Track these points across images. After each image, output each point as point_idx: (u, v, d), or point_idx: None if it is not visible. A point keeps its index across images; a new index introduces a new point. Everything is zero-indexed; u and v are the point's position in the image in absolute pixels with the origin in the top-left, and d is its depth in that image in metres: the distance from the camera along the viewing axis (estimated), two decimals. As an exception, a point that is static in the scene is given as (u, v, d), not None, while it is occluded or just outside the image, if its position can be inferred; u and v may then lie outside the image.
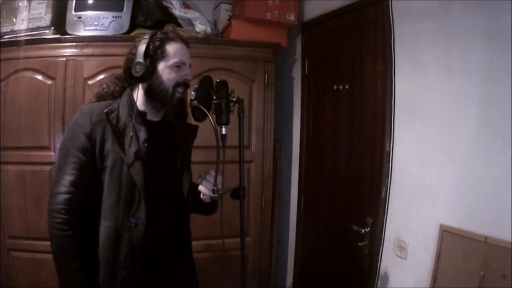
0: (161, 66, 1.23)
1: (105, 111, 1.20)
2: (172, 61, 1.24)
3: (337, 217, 2.11)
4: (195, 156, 1.48)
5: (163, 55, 1.23)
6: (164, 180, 1.33)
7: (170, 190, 1.34)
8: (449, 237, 1.41)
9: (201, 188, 1.25)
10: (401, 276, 1.67)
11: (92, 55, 2.02)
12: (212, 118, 1.19)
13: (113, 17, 2.07)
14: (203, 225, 1.93)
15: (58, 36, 2.02)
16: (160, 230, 1.29)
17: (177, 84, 1.24)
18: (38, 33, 2.04)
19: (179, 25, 2.22)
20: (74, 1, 2.08)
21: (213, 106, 1.22)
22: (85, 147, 1.19)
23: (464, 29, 1.39)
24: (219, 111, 1.22)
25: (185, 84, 1.26)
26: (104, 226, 1.19)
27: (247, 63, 2.23)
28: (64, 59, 2.01)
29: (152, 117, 1.29)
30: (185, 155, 1.38)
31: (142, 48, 1.21)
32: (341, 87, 2.09)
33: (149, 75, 1.21)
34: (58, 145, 1.92)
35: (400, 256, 1.66)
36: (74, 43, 2.02)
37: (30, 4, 2.08)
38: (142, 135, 1.26)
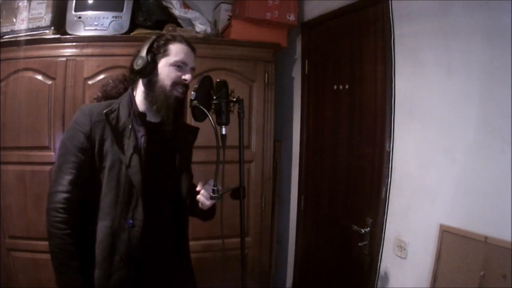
0: (162, 63, 1.24)
1: (104, 111, 1.20)
2: (173, 59, 1.24)
3: (337, 217, 2.11)
4: (195, 156, 1.48)
5: (165, 53, 1.24)
6: (163, 181, 1.32)
7: (168, 191, 1.34)
8: (449, 237, 1.41)
9: (199, 197, 1.25)
10: (401, 276, 1.67)
11: (92, 55, 2.02)
12: (212, 118, 1.19)
13: (113, 17, 2.07)
14: (203, 225, 1.91)
15: (58, 36, 2.02)
16: (157, 231, 1.29)
17: (175, 83, 1.24)
18: (38, 33, 2.04)
19: (179, 25, 2.22)
20: (74, 1, 2.08)
21: (213, 106, 1.22)
22: (84, 147, 1.19)
23: (464, 29, 1.39)
24: (219, 111, 1.22)
25: (183, 85, 1.26)
26: (102, 226, 1.19)
27: (247, 63, 2.23)
28: (64, 59, 2.01)
29: (151, 118, 1.29)
30: (184, 156, 1.38)
31: (146, 45, 1.24)
32: (341, 87, 2.09)
33: (149, 69, 1.21)
34: (58, 145, 1.92)
35: (400, 256, 1.66)
36: (74, 43, 2.02)
37: (30, 4, 2.08)
38: (141, 135, 1.26)
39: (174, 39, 1.27)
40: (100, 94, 1.34)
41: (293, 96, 2.53)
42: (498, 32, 1.27)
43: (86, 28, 2.05)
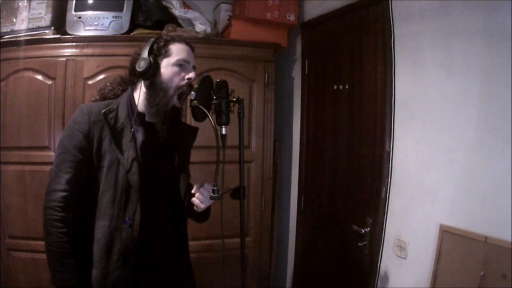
0: (165, 63, 1.24)
1: (103, 111, 1.20)
2: (175, 58, 1.24)
3: (337, 217, 2.11)
4: (195, 156, 1.48)
5: (167, 54, 1.25)
6: (161, 182, 1.32)
7: (166, 191, 1.34)
8: (449, 237, 1.41)
9: (194, 200, 1.25)
10: (401, 276, 1.67)
11: (92, 55, 2.03)
12: (212, 118, 1.18)
13: (113, 17, 2.07)
14: (203, 225, 1.90)
15: (58, 36, 2.02)
16: (156, 231, 1.29)
17: (178, 88, 1.24)
18: (38, 33, 2.04)
19: (179, 25, 2.22)
20: (74, 1, 2.08)
21: (213, 106, 1.22)
22: (82, 146, 1.19)
23: (464, 29, 1.39)
24: (219, 111, 1.21)
25: (187, 85, 1.25)
26: (99, 225, 1.19)
27: (247, 63, 2.23)
28: (64, 59, 2.01)
29: (150, 118, 1.28)
30: (183, 157, 1.38)
31: (147, 47, 1.24)
32: (341, 87, 2.09)
33: (152, 71, 1.22)
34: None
35: (400, 256, 1.66)
36: (74, 43, 2.03)
37: (30, 4, 2.08)
38: (140, 136, 1.26)
39: (173, 39, 1.28)
40: (97, 97, 1.34)
41: (293, 96, 2.53)
42: (498, 32, 1.27)
43: (86, 28, 2.05)
